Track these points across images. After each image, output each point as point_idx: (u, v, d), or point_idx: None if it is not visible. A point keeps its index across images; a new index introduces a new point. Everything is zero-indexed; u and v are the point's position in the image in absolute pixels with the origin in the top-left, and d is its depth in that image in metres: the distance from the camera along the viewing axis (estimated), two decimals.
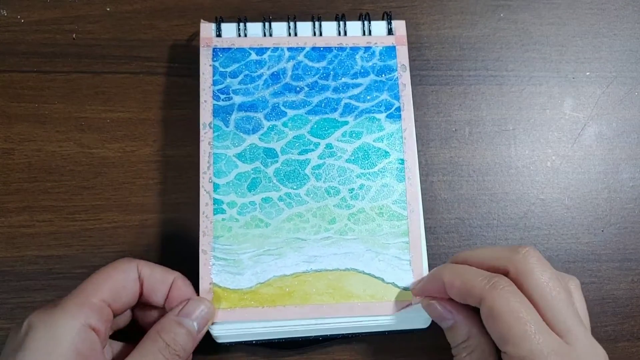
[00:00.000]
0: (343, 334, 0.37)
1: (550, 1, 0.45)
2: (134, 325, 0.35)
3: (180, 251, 0.39)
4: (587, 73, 0.44)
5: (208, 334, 0.35)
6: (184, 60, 0.43)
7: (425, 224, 0.39)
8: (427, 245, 0.40)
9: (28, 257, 0.39)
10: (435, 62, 0.44)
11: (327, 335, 0.37)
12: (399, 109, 0.39)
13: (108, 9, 0.43)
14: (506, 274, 0.31)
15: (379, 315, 0.36)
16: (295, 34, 0.40)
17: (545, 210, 0.42)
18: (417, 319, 0.36)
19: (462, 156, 0.42)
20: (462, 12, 0.45)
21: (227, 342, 0.36)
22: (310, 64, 0.39)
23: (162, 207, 0.40)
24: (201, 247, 0.36)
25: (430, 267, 0.40)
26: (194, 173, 0.40)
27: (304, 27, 0.40)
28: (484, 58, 0.44)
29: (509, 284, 0.30)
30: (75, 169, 0.40)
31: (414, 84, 0.43)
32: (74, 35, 0.43)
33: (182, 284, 0.34)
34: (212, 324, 0.35)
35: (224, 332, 0.35)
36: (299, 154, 0.38)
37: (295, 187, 0.37)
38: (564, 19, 0.45)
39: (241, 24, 0.40)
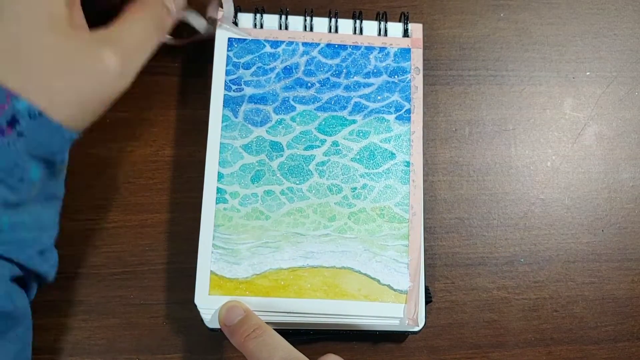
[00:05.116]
0: (334, 330, 0.37)
1: (550, 1, 0.45)
2: None
3: (180, 251, 0.39)
4: (587, 73, 0.44)
5: (201, 322, 0.36)
6: (184, 60, 0.43)
7: (425, 224, 0.39)
8: (426, 245, 0.40)
9: None
10: (435, 62, 0.44)
11: (317, 329, 0.37)
12: (409, 111, 0.39)
13: None
14: None
15: (357, 316, 0.36)
16: (311, 29, 0.40)
17: (545, 210, 0.42)
18: (396, 324, 0.36)
19: (462, 156, 0.42)
20: (462, 12, 0.45)
21: (219, 329, 0.36)
22: (324, 60, 0.40)
23: (162, 207, 0.40)
24: (201, 235, 0.36)
25: (428, 269, 0.40)
26: (194, 173, 0.40)
27: (320, 23, 0.40)
28: (484, 58, 0.44)
29: None
30: (75, 169, 0.40)
31: None
32: None
33: None
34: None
35: (215, 317, 0.35)
36: (305, 149, 0.38)
37: (298, 182, 0.37)
38: (564, 19, 0.45)
39: (257, 15, 0.40)
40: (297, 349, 0.38)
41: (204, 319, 0.36)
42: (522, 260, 0.41)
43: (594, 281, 0.41)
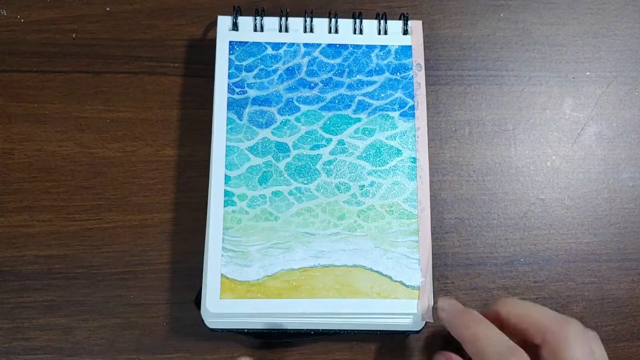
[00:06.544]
0: (335, 330, 0.37)
1: (550, 1, 0.45)
2: None
3: (180, 251, 0.39)
4: (587, 73, 0.44)
5: (201, 322, 0.36)
6: (184, 60, 0.43)
7: None
8: None
9: (28, 257, 0.39)
10: (435, 62, 0.44)
11: (318, 330, 0.37)
12: (412, 108, 0.39)
13: (108, 9, 0.43)
14: (540, 342, 0.30)
15: (371, 315, 0.36)
16: (312, 30, 0.40)
17: (545, 210, 0.42)
18: (410, 321, 0.36)
19: (462, 156, 0.42)
20: (462, 12, 0.45)
21: (219, 329, 0.36)
22: (326, 60, 0.40)
23: (162, 207, 0.40)
24: (210, 239, 0.36)
25: (432, 267, 0.40)
26: (194, 173, 0.40)
27: (320, 24, 0.40)
28: (484, 58, 0.44)
29: None
30: (75, 169, 0.40)
31: None
32: (74, 35, 0.43)
33: None
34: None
35: (219, 320, 0.35)
36: (311, 149, 0.38)
37: (305, 182, 0.38)
38: (564, 19, 0.45)
39: (257, 18, 0.40)
40: (298, 348, 0.38)
41: (205, 321, 0.36)
42: (522, 260, 0.41)
43: (594, 281, 0.41)
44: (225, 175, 0.37)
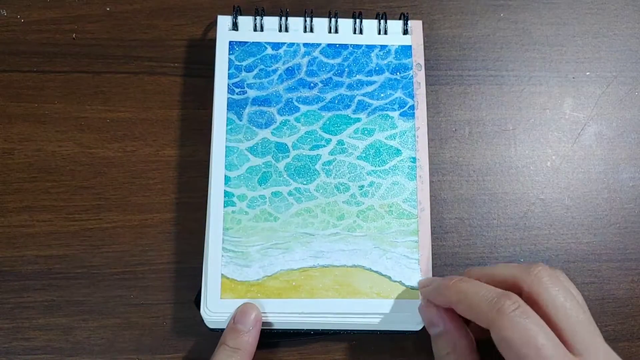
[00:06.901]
0: (335, 330, 0.37)
1: (550, 1, 0.45)
2: None
3: (180, 251, 0.39)
4: (587, 73, 0.44)
5: (201, 322, 0.36)
6: (184, 60, 0.43)
7: None
8: None
9: (28, 257, 0.39)
10: (435, 62, 0.44)
11: (318, 330, 0.37)
12: (412, 107, 0.39)
13: (108, 9, 0.43)
14: (519, 292, 0.30)
15: (370, 315, 0.36)
16: (312, 30, 0.40)
17: (545, 210, 0.42)
18: (409, 321, 0.36)
19: (462, 156, 0.42)
20: (462, 12, 0.45)
21: (219, 329, 0.36)
22: (326, 60, 0.40)
23: (162, 207, 0.40)
24: (210, 239, 0.36)
25: (432, 267, 0.40)
26: (194, 173, 0.40)
27: (320, 24, 0.40)
28: (484, 58, 0.44)
29: (516, 305, 0.28)
30: (75, 169, 0.40)
31: None
32: (74, 35, 0.43)
33: None
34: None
35: (219, 319, 0.35)
36: (310, 149, 0.38)
37: (305, 183, 0.38)
38: (564, 19, 0.45)
39: (257, 18, 0.40)
40: (298, 348, 0.38)
41: (206, 321, 0.36)
42: (522, 260, 0.41)
43: (594, 281, 0.41)
44: (225, 175, 0.37)
